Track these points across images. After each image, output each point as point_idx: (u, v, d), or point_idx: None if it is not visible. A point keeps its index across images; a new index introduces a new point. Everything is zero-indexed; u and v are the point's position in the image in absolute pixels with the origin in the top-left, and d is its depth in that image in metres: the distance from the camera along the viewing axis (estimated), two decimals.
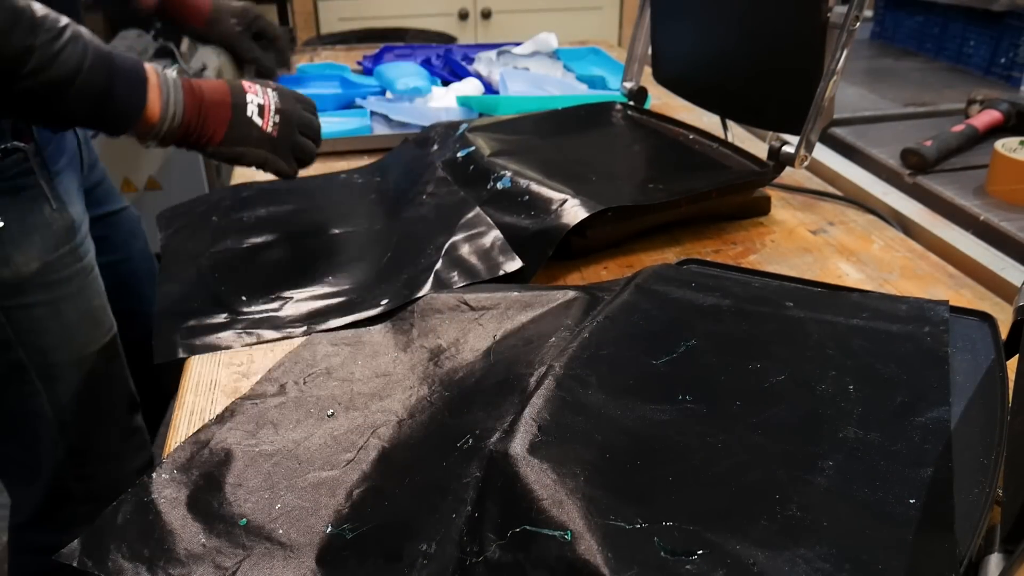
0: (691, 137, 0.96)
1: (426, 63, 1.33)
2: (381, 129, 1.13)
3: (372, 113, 1.16)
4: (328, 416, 0.57)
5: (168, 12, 1.03)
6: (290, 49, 1.12)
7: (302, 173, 0.85)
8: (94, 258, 0.86)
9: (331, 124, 1.12)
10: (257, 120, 0.77)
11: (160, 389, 1.09)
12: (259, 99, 0.78)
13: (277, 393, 0.60)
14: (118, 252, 1.01)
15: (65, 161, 0.83)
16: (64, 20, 0.65)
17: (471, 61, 1.32)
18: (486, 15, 2.47)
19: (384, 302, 0.70)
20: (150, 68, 0.72)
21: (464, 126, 0.96)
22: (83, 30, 0.66)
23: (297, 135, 0.81)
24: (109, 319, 0.87)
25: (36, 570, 0.94)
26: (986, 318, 0.60)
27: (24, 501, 0.90)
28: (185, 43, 2.14)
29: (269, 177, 1.02)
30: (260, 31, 1.11)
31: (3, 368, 0.80)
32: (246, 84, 0.79)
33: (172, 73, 0.75)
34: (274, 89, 0.81)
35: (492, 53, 1.34)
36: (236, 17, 1.07)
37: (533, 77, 1.24)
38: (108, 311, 0.87)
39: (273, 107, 0.79)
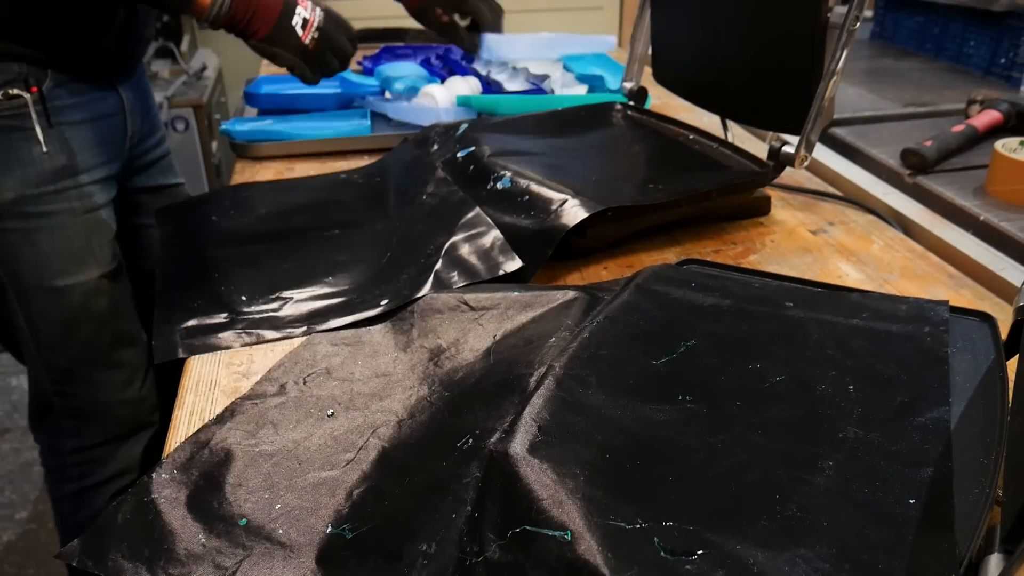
0: (691, 137, 0.96)
1: (426, 63, 1.33)
2: (381, 129, 1.13)
3: (372, 113, 1.16)
4: (328, 416, 0.57)
5: None
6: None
7: (304, 173, 0.87)
8: (97, 205, 0.94)
9: (331, 124, 1.12)
10: (298, 30, 0.89)
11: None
12: (306, 13, 0.90)
13: (277, 393, 0.60)
14: None
15: (83, 117, 0.93)
16: None
17: (471, 60, 1.32)
18: None
19: (384, 302, 0.70)
20: None
21: (464, 126, 0.96)
22: None
23: (328, 54, 0.94)
24: (99, 263, 0.95)
25: (44, 463, 1.07)
26: (986, 318, 0.60)
27: (29, 398, 1.03)
28: (185, 42, 2.15)
29: (269, 177, 1.02)
30: None
31: None
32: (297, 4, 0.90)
33: None
34: (324, 10, 0.92)
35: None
36: None
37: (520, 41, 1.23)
38: (101, 256, 0.95)
39: (316, 23, 0.91)
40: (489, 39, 1.18)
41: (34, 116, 0.87)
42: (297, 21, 0.89)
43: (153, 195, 1.10)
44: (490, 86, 1.23)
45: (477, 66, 1.29)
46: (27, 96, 0.86)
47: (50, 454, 1.04)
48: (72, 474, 1.02)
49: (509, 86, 1.23)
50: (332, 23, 0.93)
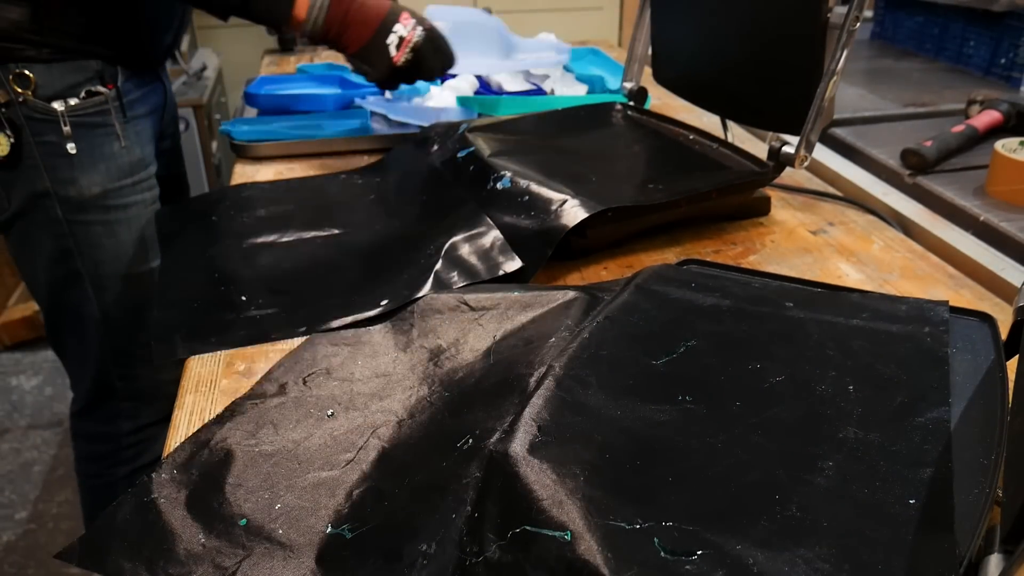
0: (691, 137, 0.96)
1: None
2: (381, 129, 1.13)
3: (372, 113, 1.16)
4: (328, 416, 0.57)
5: None
6: None
7: (304, 173, 0.88)
8: (156, 196, 1.00)
9: (331, 124, 1.12)
10: (392, 50, 0.90)
11: None
12: (404, 31, 0.90)
13: (277, 393, 0.60)
14: None
15: (145, 110, 0.98)
16: None
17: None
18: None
19: (384, 302, 0.70)
20: None
21: (464, 126, 0.96)
22: None
23: (415, 73, 0.95)
24: (157, 248, 0.97)
25: (88, 454, 1.12)
26: (986, 318, 0.60)
27: (78, 392, 1.07)
28: (185, 42, 2.15)
29: (269, 177, 1.02)
30: None
31: (64, 272, 0.95)
32: (405, 14, 0.91)
33: None
34: (426, 29, 0.92)
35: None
36: None
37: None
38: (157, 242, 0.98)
39: (412, 43, 0.91)
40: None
41: (113, 112, 0.91)
42: (392, 40, 0.90)
43: (167, 183, 1.11)
44: (490, 87, 1.23)
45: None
46: (107, 92, 0.90)
47: (103, 440, 1.08)
48: (127, 455, 1.07)
49: (509, 87, 1.23)
50: (430, 44, 0.93)
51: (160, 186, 1.06)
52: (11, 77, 0.85)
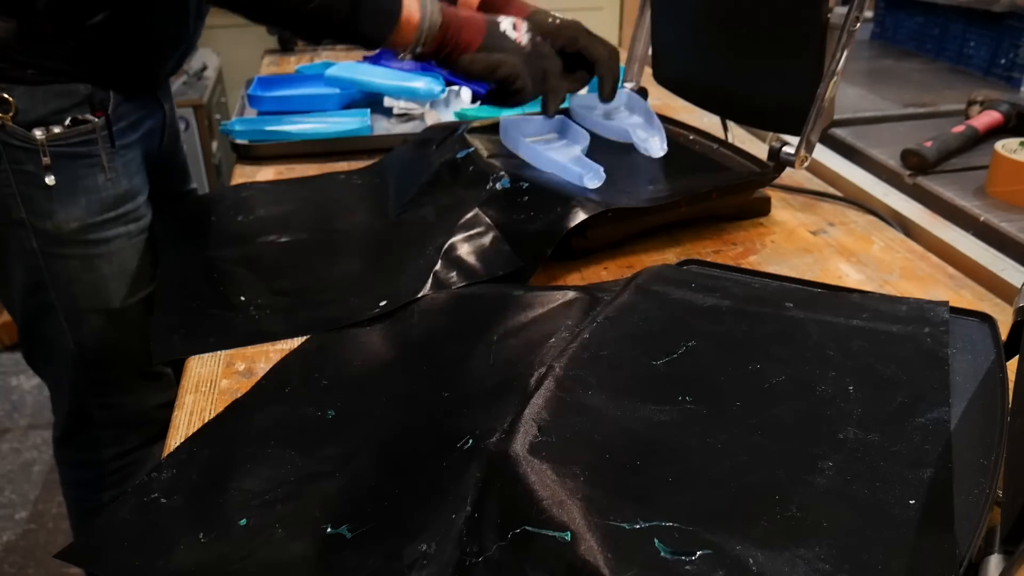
0: (691, 137, 0.96)
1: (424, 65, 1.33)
2: (381, 129, 1.13)
3: (372, 113, 1.16)
4: (328, 416, 0.57)
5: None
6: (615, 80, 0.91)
7: (304, 173, 0.85)
8: (147, 225, 0.91)
9: (331, 124, 1.12)
10: (511, 33, 0.80)
11: None
12: (508, 23, 0.81)
13: (277, 393, 0.60)
14: None
15: (136, 137, 0.88)
16: None
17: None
18: None
19: (383, 302, 0.70)
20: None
21: (463, 127, 0.96)
22: None
23: (542, 62, 0.82)
24: (147, 280, 0.92)
25: (72, 480, 1.06)
26: (986, 319, 0.60)
27: (58, 418, 1.00)
28: None
29: (269, 177, 1.02)
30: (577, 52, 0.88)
31: (36, 304, 0.88)
32: (499, 17, 0.82)
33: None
34: (529, 30, 0.82)
35: None
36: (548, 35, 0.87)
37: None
38: (148, 274, 0.92)
39: (525, 27, 0.82)
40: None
41: (99, 142, 0.82)
42: (506, 27, 0.80)
43: (173, 203, 1.03)
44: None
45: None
46: (95, 121, 0.81)
47: (85, 467, 1.02)
48: (112, 480, 1.01)
49: None
50: (536, 29, 0.83)
51: (166, 205, 0.98)
52: None
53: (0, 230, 0.83)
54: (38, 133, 0.78)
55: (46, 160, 0.79)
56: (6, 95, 0.76)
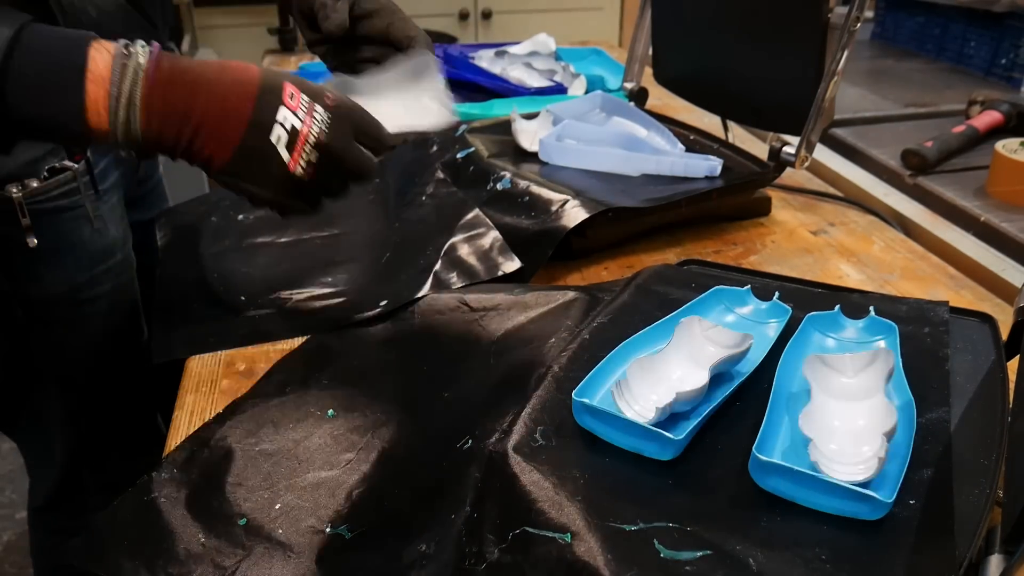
0: (691, 137, 0.96)
1: None
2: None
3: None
4: (328, 416, 0.57)
5: None
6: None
7: None
8: (133, 271, 0.83)
9: None
10: (283, 153, 0.51)
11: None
12: (295, 119, 0.51)
13: (277, 393, 0.60)
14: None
15: (115, 179, 0.80)
16: None
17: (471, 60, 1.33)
18: (486, 16, 2.47)
19: (383, 303, 0.70)
20: (101, 49, 0.47)
21: (463, 127, 0.96)
22: None
23: (335, 181, 0.56)
24: (138, 329, 0.86)
25: (51, 547, 0.96)
26: (986, 319, 0.60)
27: (40, 485, 0.90)
28: (186, 42, 2.14)
29: None
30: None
31: (20, 373, 0.79)
32: (289, 88, 0.52)
33: (140, 53, 0.48)
34: (330, 106, 0.53)
35: (491, 52, 1.35)
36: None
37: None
38: (139, 321, 0.85)
39: (313, 138, 0.52)
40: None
41: (82, 190, 0.72)
42: (279, 136, 0.51)
43: (149, 230, 0.90)
44: (506, 81, 1.24)
45: (479, 55, 1.29)
46: (75, 167, 0.71)
47: (68, 533, 0.87)
48: None
49: (530, 83, 1.23)
50: (341, 127, 0.54)
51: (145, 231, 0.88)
52: None
53: None
54: (13, 191, 0.68)
55: (25, 221, 0.69)
56: None
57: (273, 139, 0.51)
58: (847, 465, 0.43)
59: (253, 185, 0.53)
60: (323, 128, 0.53)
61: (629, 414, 0.47)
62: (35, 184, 0.69)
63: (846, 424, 0.47)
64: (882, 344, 0.56)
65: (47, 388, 0.81)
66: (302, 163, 0.52)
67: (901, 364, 0.51)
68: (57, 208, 0.72)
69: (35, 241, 0.70)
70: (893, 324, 0.56)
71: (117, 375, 0.85)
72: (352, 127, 0.55)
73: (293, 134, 0.51)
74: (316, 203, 0.57)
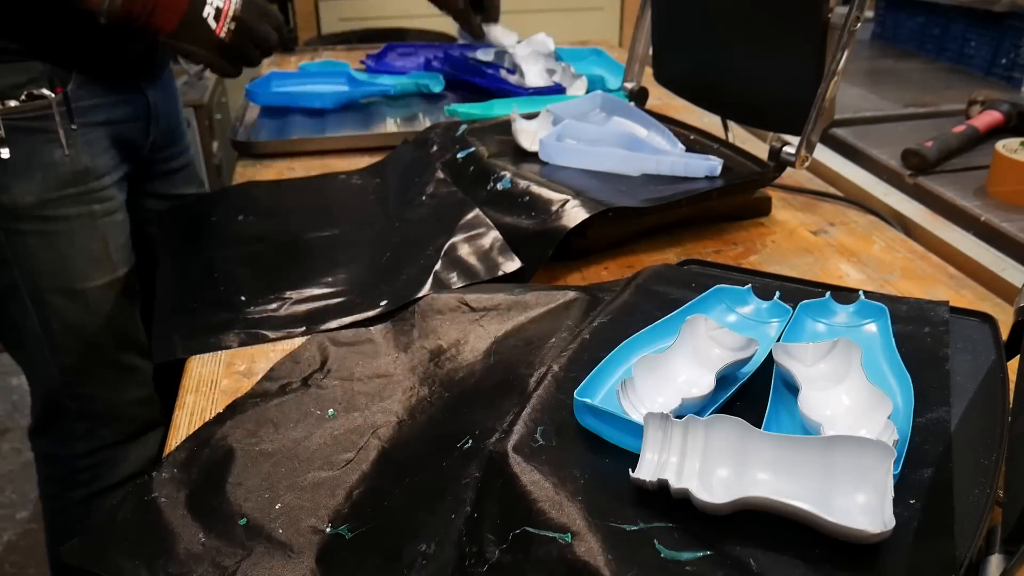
0: (691, 137, 0.96)
1: (427, 64, 1.33)
2: (381, 129, 1.13)
3: (372, 112, 1.17)
4: (328, 416, 0.57)
5: None
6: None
7: (305, 173, 0.85)
8: (116, 208, 0.92)
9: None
10: (211, 23, 0.81)
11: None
12: (219, 1, 0.81)
13: (277, 393, 0.60)
14: None
15: (103, 118, 0.90)
16: None
17: (474, 47, 1.34)
18: None
19: (383, 303, 0.70)
20: None
21: (463, 127, 0.96)
22: None
23: (249, 46, 0.86)
24: (116, 265, 0.93)
25: (44, 475, 1.05)
26: (987, 319, 0.60)
27: (33, 408, 1.00)
28: None
29: (269, 178, 1.02)
30: None
31: (2, 282, 0.89)
32: None
33: None
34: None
35: (490, 51, 1.35)
36: None
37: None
38: (117, 258, 0.93)
39: (231, 12, 0.82)
40: (494, 29, 1.30)
41: (57, 118, 0.84)
42: (209, 12, 0.81)
43: (171, 203, 1.06)
44: (513, 70, 1.25)
45: (479, 54, 1.31)
46: (51, 96, 0.83)
47: (55, 462, 1.02)
48: (83, 478, 1.00)
49: (533, 82, 1.23)
50: (251, 10, 0.85)
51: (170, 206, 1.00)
52: None
53: None
54: None
55: (0, 134, 0.80)
56: None
57: (204, 14, 0.81)
58: None
59: (191, 46, 0.82)
60: (238, 7, 0.83)
61: (634, 415, 0.47)
62: (12, 103, 0.81)
63: (836, 410, 0.48)
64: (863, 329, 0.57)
65: (23, 302, 0.89)
66: (225, 29, 0.83)
67: (894, 344, 0.52)
68: (30, 128, 0.83)
69: (8, 153, 0.82)
70: (883, 306, 0.57)
71: (88, 303, 0.91)
72: (259, 10, 0.86)
73: (218, 11, 0.82)
74: (236, 63, 0.87)
